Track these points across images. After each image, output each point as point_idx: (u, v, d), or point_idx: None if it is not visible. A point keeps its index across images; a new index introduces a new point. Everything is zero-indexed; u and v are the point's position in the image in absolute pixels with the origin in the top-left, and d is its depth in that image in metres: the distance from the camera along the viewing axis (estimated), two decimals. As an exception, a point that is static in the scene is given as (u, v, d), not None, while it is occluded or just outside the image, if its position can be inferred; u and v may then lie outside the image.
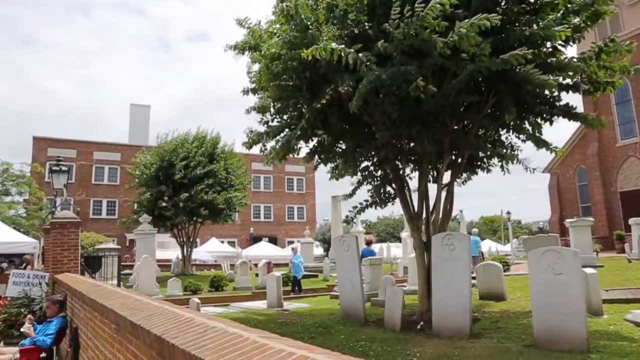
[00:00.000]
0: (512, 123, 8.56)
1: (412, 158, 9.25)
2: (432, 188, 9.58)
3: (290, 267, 18.59)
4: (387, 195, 9.75)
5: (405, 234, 24.14)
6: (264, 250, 35.49)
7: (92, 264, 14.09)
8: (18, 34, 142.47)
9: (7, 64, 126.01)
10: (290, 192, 54.56)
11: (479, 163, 10.13)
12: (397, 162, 9.22)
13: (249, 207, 43.22)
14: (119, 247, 23.49)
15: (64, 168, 14.15)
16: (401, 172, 9.37)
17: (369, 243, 17.89)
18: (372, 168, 9.73)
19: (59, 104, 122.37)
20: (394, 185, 9.54)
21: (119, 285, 12.99)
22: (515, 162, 9.42)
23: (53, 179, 14.05)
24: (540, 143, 8.60)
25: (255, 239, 44.68)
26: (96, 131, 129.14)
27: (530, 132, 8.66)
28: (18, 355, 6.13)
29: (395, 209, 77.51)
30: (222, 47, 9.47)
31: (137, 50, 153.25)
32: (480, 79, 7.79)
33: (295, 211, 54.73)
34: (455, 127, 8.83)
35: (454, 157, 9.40)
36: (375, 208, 9.98)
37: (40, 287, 8.78)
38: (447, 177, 9.46)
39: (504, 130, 9.40)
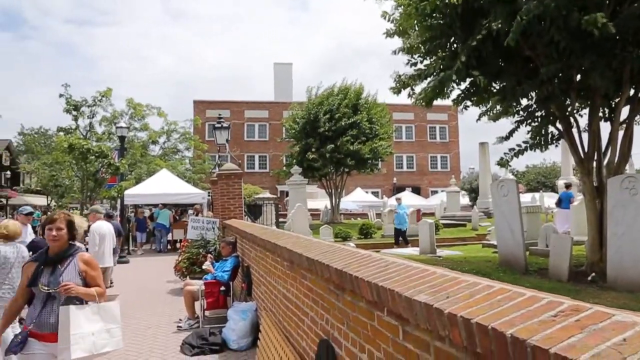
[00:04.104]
0: None
1: (582, 93, 8.24)
2: (604, 127, 8.53)
3: (394, 218, 17.48)
4: (550, 136, 8.91)
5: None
6: (408, 200, 35.35)
7: (253, 211, 15.32)
8: (168, 10, 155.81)
9: (163, 38, 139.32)
10: (433, 141, 52.96)
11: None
12: (563, 99, 8.29)
13: (392, 158, 43.04)
14: (274, 196, 25.16)
15: (225, 125, 15.45)
16: (569, 110, 8.42)
17: (568, 186, 16.04)
18: (533, 106, 8.90)
19: (211, 69, 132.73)
20: (558, 124, 8.66)
21: (277, 230, 13.98)
22: None
23: (216, 135, 15.46)
24: None
25: (399, 189, 44.59)
26: (245, 91, 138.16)
27: None
28: (203, 287, 7.01)
29: (547, 156, 71.49)
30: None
31: (277, 11, 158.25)
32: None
33: (438, 160, 53.20)
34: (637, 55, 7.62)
35: (633, 90, 8.17)
36: (535, 150, 9.21)
37: (213, 231, 9.82)
38: (624, 113, 8.30)
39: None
